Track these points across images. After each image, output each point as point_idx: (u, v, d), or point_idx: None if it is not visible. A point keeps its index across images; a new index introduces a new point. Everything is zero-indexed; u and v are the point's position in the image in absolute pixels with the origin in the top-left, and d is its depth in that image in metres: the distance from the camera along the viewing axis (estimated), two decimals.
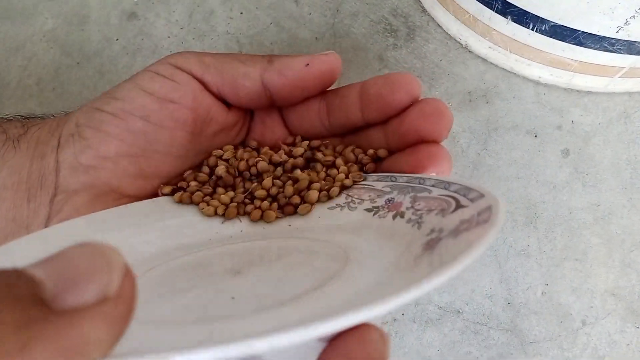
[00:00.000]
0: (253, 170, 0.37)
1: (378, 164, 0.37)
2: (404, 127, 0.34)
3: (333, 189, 0.35)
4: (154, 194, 0.37)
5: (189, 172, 0.38)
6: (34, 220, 0.34)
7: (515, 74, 0.52)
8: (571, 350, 0.45)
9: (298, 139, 0.39)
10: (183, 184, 0.37)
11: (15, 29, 0.60)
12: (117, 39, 0.58)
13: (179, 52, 0.37)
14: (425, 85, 0.54)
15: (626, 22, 0.39)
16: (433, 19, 0.55)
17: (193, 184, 0.37)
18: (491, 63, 0.53)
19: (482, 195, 0.25)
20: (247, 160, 0.37)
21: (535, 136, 0.51)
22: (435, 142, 0.34)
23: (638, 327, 0.45)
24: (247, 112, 0.40)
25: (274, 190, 0.36)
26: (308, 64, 0.35)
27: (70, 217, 0.33)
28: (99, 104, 0.36)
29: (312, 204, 0.35)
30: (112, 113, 0.35)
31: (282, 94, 0.36)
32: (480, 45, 0.52)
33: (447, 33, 0.54)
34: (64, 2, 0.60)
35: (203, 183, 0.37)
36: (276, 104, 0.38)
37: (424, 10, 0.56)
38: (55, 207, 0.34)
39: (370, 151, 0.37)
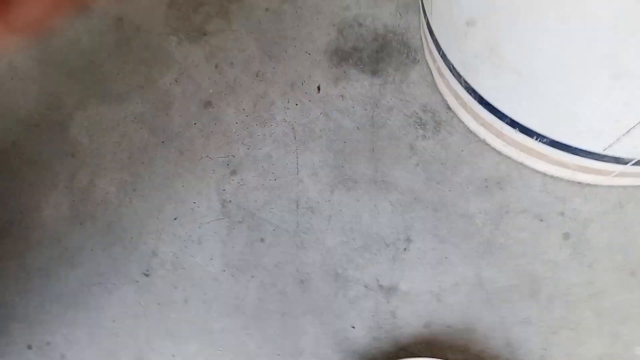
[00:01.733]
0: None
1: None
2: None
3: None
4: None
5: None
6: None
7: (525, 166, 0.62)
8: None
9: None
10: None
11: (111, 111, 0.73)
12: (195, 123, 0.71)
13: None
14: (448, 171, 0.64)
15: (610, 145, 0.49)
16: (457, 115, 0.66)
17: None
18: (505, 155, 0.63)
19: None
20: None
21: (541, 220, 0.61)
22: None
23: None
24: None
25: None
26: None
27: None
28: None
29: None
30: None
31: None
32: (495, 142, 0.62)
33: (468, 128, 0.65)
34: (153, 89, 0.73)
35: None
36: None
37: (449, 108, 0.66)
38: None
39: None
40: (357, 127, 0.68)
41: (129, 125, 0.72)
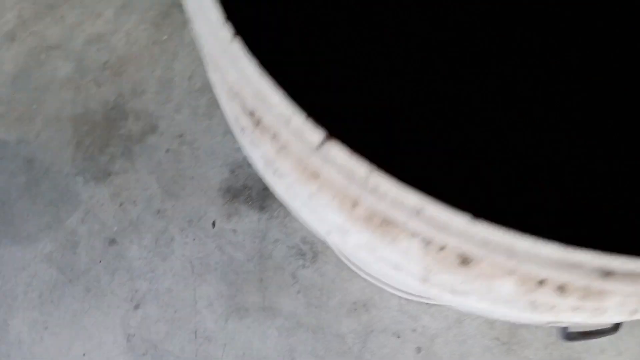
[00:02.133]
0: None
1: None
2: None
3: None
4: None
5: None
6: None
7: (385, 290, 0.76)
8: None
9: None
10: None
11: (22, 251, 0.80)
12: (100, 261, 0.79)
13: None
14: (324, 296, 0.76)
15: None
16: (329, 247, 0.78)
17: None
18: (369, 281, 0.76)
19: None
20: None
21: (398, 337, 0.74)
22: None
23: None
24: None
25: None
26: None
27: None
28: None
29: None
30: None
31: None
32: (359, 271, 0.75)
33: (339, 258, 0.78)
34: (61, 229, 0.81)
35: None
36: None
37: (323, 240, 0.79)
38: None
39: None
40: (248, 259, 0.79)
41: (39, 265, 0.79)
